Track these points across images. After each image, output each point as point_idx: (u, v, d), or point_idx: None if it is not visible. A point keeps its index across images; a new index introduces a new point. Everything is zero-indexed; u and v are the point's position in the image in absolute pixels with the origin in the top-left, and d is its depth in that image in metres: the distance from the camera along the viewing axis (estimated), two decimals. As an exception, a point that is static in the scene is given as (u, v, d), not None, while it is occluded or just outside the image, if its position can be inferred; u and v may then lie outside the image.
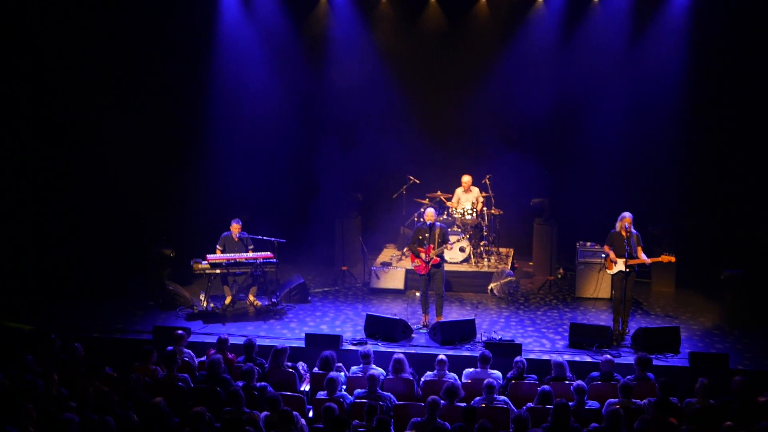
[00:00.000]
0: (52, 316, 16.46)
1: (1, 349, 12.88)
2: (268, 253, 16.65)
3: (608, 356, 12.79)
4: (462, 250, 18.67)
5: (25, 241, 17.58)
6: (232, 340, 14.30)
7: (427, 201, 19.15)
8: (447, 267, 16.77)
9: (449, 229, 17.23)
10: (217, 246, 16.87)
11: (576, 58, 19.60)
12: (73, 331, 15.37)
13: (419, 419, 10.69)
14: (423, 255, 15.52)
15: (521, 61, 19.97)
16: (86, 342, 13.59)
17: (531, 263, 19.96)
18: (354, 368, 12.82)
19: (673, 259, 15.21)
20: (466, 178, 19.06)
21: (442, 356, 12.66)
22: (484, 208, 18.92)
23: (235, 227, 16.84)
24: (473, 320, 15.41)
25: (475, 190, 19.08)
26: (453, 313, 16.64)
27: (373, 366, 12.61)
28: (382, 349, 14.47)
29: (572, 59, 19.64)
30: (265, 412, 10.92)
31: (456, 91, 20.47)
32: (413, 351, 14.46)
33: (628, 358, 13.75)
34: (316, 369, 12.73)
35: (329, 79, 20.54)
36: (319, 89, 20.68)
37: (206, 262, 16.39)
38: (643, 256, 14.96)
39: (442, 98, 20.62)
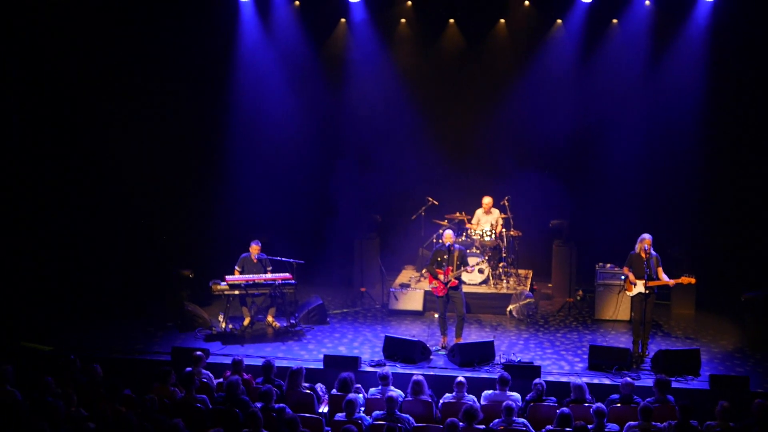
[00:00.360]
0: (72, 337, 16.51)
1: (21, 370, 12.89)
2: (287, 274, 16.66)
3: (628, 379, 12.73)
4: (481, 271, 18.63)
5: (45, 262, 17.63)
6: (250, 362, 14.33)
7: (446, 222, 19.13)
8: (465, 288, 16.76)
9: (468, 251, 17.20)
10: (236, 267, 16.89)
11: (595, 79, 19.63)
12: (92, 352, 15.42)
13: (438, 441, 10.66)
14: (441, 276, 15.50)
15: (540, 82, 19.99)
16: (105, 363, 13.66)
17: (550, 285, 19.89)
18: (372, 390, 12.79)
19: (693, 280, 15.12)
20: (487, 200, 19.05)
21: (461, 378, 12.62)
22: (503, 230, 18.89)
23: (255, 248, 16.86)
24: (492, 342, 15.36)
25: (496, 211, 19.06)
26: (472, 335, 16.59)
27: (392, 388, 12.59)
28: (401, 370, 14.43)
29: (591, 80, 19.67)
30: (283, 434, 10.91)
31: (475, 112, 20.51)
32: (432, 373, 14.42)
33: (648, 381, 13.67)
34: (334, 390, 12.71)
35: (348, 100, 20.63)
36: (338, 111, 20.76)
37: (225, 283, 16.41)
38: (664, 277, 14.89)
39: (461, 119, 20.66)
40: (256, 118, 20.35)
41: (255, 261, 16.87)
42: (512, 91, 20.17)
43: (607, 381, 14.08)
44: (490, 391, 12.73)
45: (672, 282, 15.03)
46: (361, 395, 12.63)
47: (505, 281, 18.82)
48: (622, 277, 15.66)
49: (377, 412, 11.84)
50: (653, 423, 11.32)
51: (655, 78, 19.33)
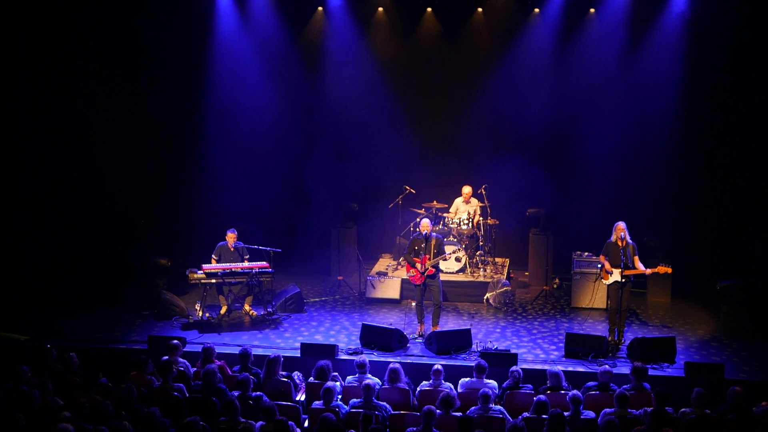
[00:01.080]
0: (48, 326, 16.44)
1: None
2: (264, 262, 16.64)
3: (607, 367, 12.77)
4: (458, 260, 18.66)
5: (20, 250, 17.52)
6: (227, 350, 14.32)
7: (423, 211, 19.14)
8: (443, 277, 16.78)
9: (445, 239, 17.23)
10: (213, 256, 16.85)
11: (572, 68, 19.69)
12: (68, 341, 15.36)
13: (415, 429, 10.68)
14: (418, 265, 15.52)
15: (518, 71, 20.04)
16: (81, 352, 13.61)
17: (527, 273, 19.96)
18: (349, 378, 12.80)
19: (669, 270, 15.20)
20: (467, 189, 19.08)
21: (438, 366, 12.63)
22: (480, 219, 18.93)
23: (231, 237, 16.83)
24: (469, 330, 15.39)
25: (474, 201, 19.09)
26: (449, 323, 16.63)
27: (369, 376, 12.60)
28: (378, 358, 14.45)
29: (568, 69, 19.73)
30: (260, 422, 10.90)
31: (452, 100, 20.55)
32: (409, 361, 14.45)
33: (624, 368, 13.74)
34: (311, 378, 12.71)
35: (325, 89, 20.62)
36: (315, 99, 20.75)
37: (202, 271, 16.37)
38: (641, 266, 14.97)
39: (438, 108, 20.69)
40: (232, 107, 20.31)
41: (232, 249, 16.84)
42: (490, 80, 20.22)
43: (583, 368, 14.14)
44: (467, 379, 12.75)
45: (648, 271, 15.11)
46: (338, 383, 12.63)
47: (482, 269, 18.86)
48: (599, 266, 15.72)
49: (354, 399, 11.84)
50: (629, 410, 11.38)
51: (632, 67, 19.41)
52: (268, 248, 16.88)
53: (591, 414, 11.41)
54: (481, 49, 20.40)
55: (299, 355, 14.59)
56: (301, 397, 12.86)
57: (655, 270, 15.16)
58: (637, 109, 19.47)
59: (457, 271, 18.76)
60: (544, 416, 10.98)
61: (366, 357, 13.44)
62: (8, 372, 12.18)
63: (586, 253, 17.77)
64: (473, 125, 20.22)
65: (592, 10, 19.65)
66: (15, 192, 17.46)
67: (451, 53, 20.56)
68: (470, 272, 18.81)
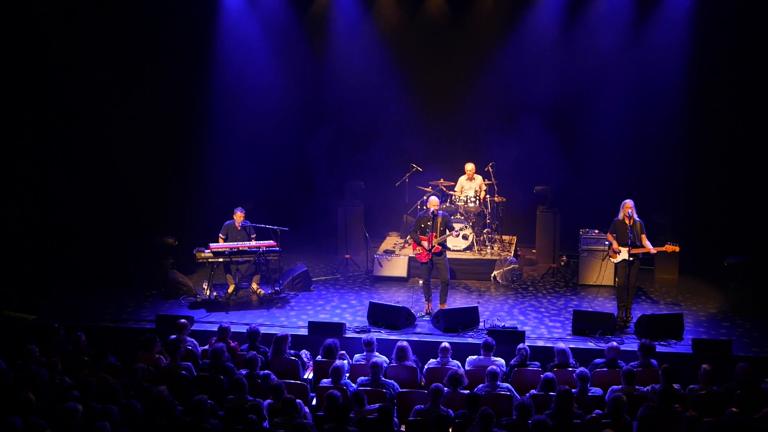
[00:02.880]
0: (56, 306, 16.50)
1: (4, 339, 12.89)
2: (271, 241, 16.65)
3: (614, 343, 12.78)
4: (465, 237, 18.64)
5: (28, 230, 17.55)
6: (235, 329, 14.33)
7: (429, 189, 19.12)
8: (450, 255, 16.77)
9: (452, 217, 17.21)
10: (220, 234, 16.87)
11: (579, 45, 19.56)
12: (76, 320, 15.41)
13: (422, 406, 10.70)
14: (425, 243, 15.50)
15: (524, 48, 19.93)
16: (89, 331, 13.67)
17: (534, 251, 19.95)
18: (357, 356, 12.82)
19: (677, 248, 15.14)
20: (470, 166, 19.05)
21: (445, 343, 12.65)
22: (487, 196, 18.90)
23: (239, 215, 16.83)
24: (476, 308, 15.40)
25: (479, 178, 19.06)
26: (456, 301, 16.63)
27: (376, 354, 12.61)
28: (386, 336, 14.47)
29: (576, 45, 19.60)
30: (268, 400, 10.93)
31: (459, 78, 20.46)
32: (416, 339, 14.46)
33: (632, 345, 13.73)
34: (319, 357, 12.74)
35: (331, 67, 20.54)
36: (321, 78, 20.67)
37: (209, 250, 16.38)
38: (648, 245, 14.91)
39: (445, 86, 20.61)
40: (239, 85, 20.25)
41: (239, 228, 16.84)
42: (496, 57, 20.12)
43: (590, 345, 14.13)
44: (475, 357, 12.77)
45: (654, 250, 15.04)
46: (345, 361, 12.65)
47: (489, 247, 18.84)
48: (606, 244, 15.70)
49: (362, 377, 11.87)
50: (636, 387, 11.39)
51: (639, 43, 19.28)
52: (276, 227, 16.87)
53: (598, 391, 11.43)
54: (487, 25, 20.28)
55: (307, 334, 14.60)
56: (309, 375, 12.90)
57: (663, 249, 15.12)
58: (645, 85, 19.36)
59: (465, 249, 18.75)
60: (551, 393, 10.99)
61: (373, 335, 13.47)
62: (17, 351, 12.22)
63: (594, 231, 17.74)
64: (480, 102, 20.14)
65: (599, -15, 19.55)
66: (22, 173, 17.46)
67: (457, 30, 20.46)
68: (477, 250, 18.80)
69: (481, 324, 15.06)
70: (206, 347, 13.20)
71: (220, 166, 20.09)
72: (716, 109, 18.87)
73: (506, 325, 14.96)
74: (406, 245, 19.16)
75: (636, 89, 19.48)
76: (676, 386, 11.25)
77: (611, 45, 19.37)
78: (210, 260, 16.44)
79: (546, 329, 15.16)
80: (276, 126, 20.67)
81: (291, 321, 15.63)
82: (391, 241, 19.97)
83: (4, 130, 17.13)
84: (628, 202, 15.00)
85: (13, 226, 17.24)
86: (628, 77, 19.50)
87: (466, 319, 15.04)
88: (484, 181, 19.04)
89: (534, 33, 19.88)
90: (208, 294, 16.56)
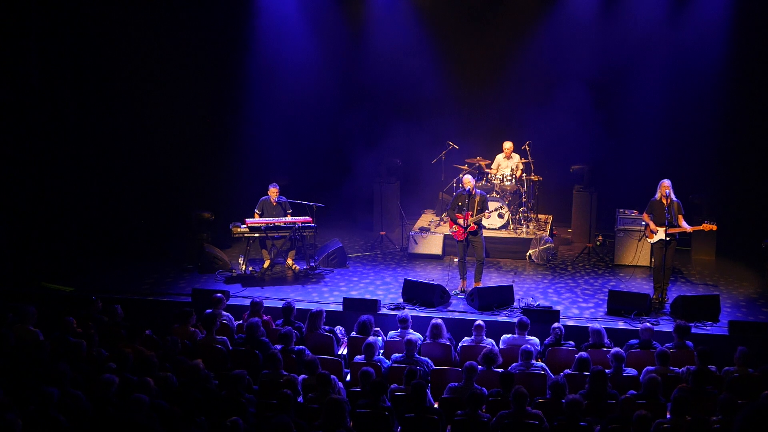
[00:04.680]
0: (93, 278, 16.67)
1: (42, 310, 13.02)
2: (307, 217, 16.68)
3: (648, 324, 12.74)
4: (501, 216, 18.59)
5: (66, 203, 17.69)
6: (270, 304, 14.41)
7: (465, 167, 19.07)
8: (486, 233, 16.74)
9: (488, 196, 17.16)
10: (255, 210, 16.92)
11: (619, 22, 19.34)
12: (113, 293, 15.55)
13: (456, 384, 10.72)
14: (461, 221, 15.48)
15: (563, 24, 19.72)
16: (126, 304, 13.79)
17: (570, 230, 19.87)
18: (391, 333, 12.87)
19: (714, 227, 15.00)
20: (508, 145, 18.98)
21: (479, 321, 12.67)
22: (524, 175, 18.83)
23: (273, 191, 16.87)
24: (511, 286, 15.38)
25: (516, 156, 18.99)
26: (491, 280, 16.61)
27: (411, 331, 12.65)
28: (420, 314, 14.49)
29: (615, 22, 19.38)
30: (303, 375, 11.00)
31: (496, 55, 20.32)
32: (451, 316, 14.45)
33: (667, 326, 13.68)
34: (354, 333, 12.78)
35: (369, 44, 20.47)
36: (359, 54, 20.60)
37: (245, 225, 16.44)
38: (684, 225, 14.79)
39: (482, 63, 20.49)
40: (276, 62, 20.21)
41: (274, 204, 16.89)
42: (535, 35, 19.96)
43: (626, 326, 14.08)
44: (509, 335, 12.77)
45: (690, 229, 14.91)
46: (380, 338, 12.70)
47: (524, 226, 18.80)
48: (643, 224, 15.62)
49: (396, 354, 11.91)
50: (671, 368, 11.35)
51: (679, 21, 19.06)
52: (311, 203, 16.91)
53: (633, 371, 11.40)
54: (526, 3, 20.12)
55: (341, 310, 14.65)
56: (343, 351, 12.95)
57: (700, 228, 14.99)
58: (684, 63, 19.15)
59: (500, 228, 18.71)
60: (585, 373, 10.98)
61: (408, 312, 13.54)
62: (54, 323, 12.35)
63: (630, 211, 17.64)
64: (517, 80, 20.01)
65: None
66: (61, 146, 17.58)
67: (495, 6, 20.30)
68: (513, 228, 18.75)
69: (516, 303, 15.05)
70: (241, 321, 13.27)
71: (256, 143, 20.10)
72: (756, 89, 18.67)
73: (541, 304, 14.93)
74: (442, 223, 19.15)
75: (675, 68, 19.29)
76: (711, 368, 11.20)
77: (650, 22, 19.15)
78: (246, 235, 16.50)
79: (581, 309, 15.12)
80: (312, 103, 20.66)
81: (325, 297, 15.68)
82: (426, 219, 19.96)
83: (47, 105, 17.23)
84: (666, 182, 14.87)
85: (53, 199, 17.38)
86: (667, 55, 19.30)
87: (500, 298, 15.03)
88: (520, 159, 18.97)
89: (573, 9, 19.66)
90: (243, 269, 16.64)
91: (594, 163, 19.35)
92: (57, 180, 17.53)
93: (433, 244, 18.31)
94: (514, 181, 18.69)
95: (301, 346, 12.09)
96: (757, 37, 18.44)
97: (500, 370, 11.10)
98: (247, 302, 13.96)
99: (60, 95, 17.54)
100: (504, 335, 12.87)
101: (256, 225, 16.45)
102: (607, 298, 14.94)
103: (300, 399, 10.56)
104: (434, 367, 11.71)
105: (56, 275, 16.53)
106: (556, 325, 12.75)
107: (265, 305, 13.65)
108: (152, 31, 18.67)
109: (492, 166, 19.13)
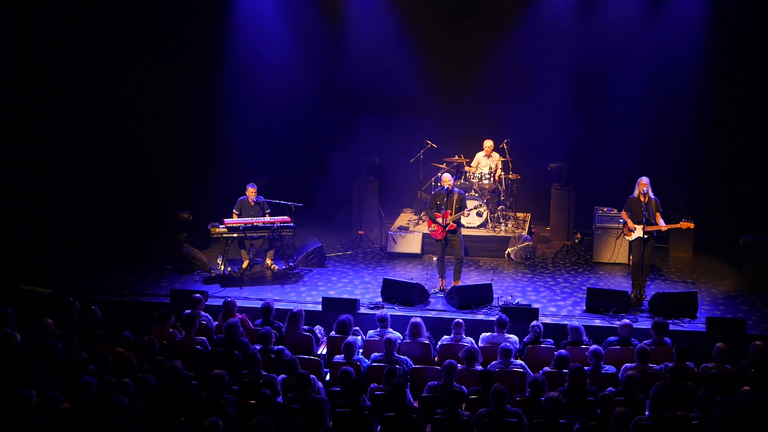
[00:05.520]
0: (71, 280, 16.59)
1: (20, 312, 12.94)
2: (286, 217, 16.65)
3: (626, 320, 12.80)
4: (479, 214, 18.61)
5: (44, 204, 17.61)
6: (249, 304, 14.38)
7: (444, 166, 19.09)
8: (464, 232, 16.74)
9: (466, 194, 17.17)
10: (234, 210, 16.88)
11: (596, 20, 19.36)
12: (91, 295, 15.47)
13: (436, 383, 10.74)
14: (440, 220, 15.49)
15: (541, 24, 19.73)
16: (104, 305, 13.73)
17: (548, 228, 19.90)
18: (371, 332, 12.88)
19: (692, 225, 15.07)
20: (489, 143, 18.99)
21: (458, 319, 12.70)
22: (502, 173, 18.85)
23: (251, 191, 16.83)
24: (490, 285, 15.40)
25: (496, 155, 19.01)
26: (470, 278, 16.62)
27: (390, 330, 12.66)
28: (399, 313, 14.50)
29: (592, 21, 19.40)
30: (282, 375, 11.00)
31: (475, 54, 20.30)
32: (430, 315, 14.47)
33: (646, 323, 13.73)
34: (333, 332, 12.78)
35: (347, 43, 20.45)
36: (337, 54, 20.59)
37: (223, 226, 16.40)
38: (661, 223, 14.83)
39: (461, 62, 20.48)
40: (253, 62, 20.15)
41: (252, 204, 16.85)
42: (513, 33, 19.97)
43: (604, 323, 14.13)
44: (488, 334, 12.80)
45: (666, 227, 14.95)
46: (359, 337, 12.70)
47: (503, 224, 18.83)
48: (621, 222, 15.67)
49: (376, 353, 11.92)
50: (650, 365, 11.40)
51: (656, 19, 19.10)
52: (290, 202, 16.88)
53: (612, 368, 11.45)
54: (504, 1, 20.14)
55: (321, 309, 14.65)
56: (322, 350, 12.95)
57: (677, 226, 15.05)
58: (661, 61, 19.21)
59: (479, 226, 18.74)
60: (564, 371, 11.01)
61: (387, 311, 13.55)
62: (32, 325, 12.29)
63: (608, 208, 17.70)
64: (495, 79, 20.01)
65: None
66: (39, 146, 17.49)
67: (474, 5, 20.30)
68: (491, 227, 18.78)
69: (495, 301, 15.07)
70: (220, 322, 13.25)
71: (235, 142, 20.06)
72: (732, 86, 18.73)
73: (520, 303, 14.96)
74: (420, 222, 19.15)
75: (652, 65, 19.34)
76: (689, 364, 11.25)
77: (628, 20, 19.17)
78: (224, 235, 16.46)
79: (559, 307, 15.16)
80: (290, 102, 20.59)
81: (305, 297, 15.67)
82: (405, 218, 19.97)
83: (23, 105, 17.14)
84: (644, 180, 14.92)
85: (30, 201, 17.29)
86: (644, 53, 19.33)
87: (479, 296, 15.05)
88: (500, 158, 18.99)
89: (551, 8, 19.67)
90: (222, 269, 16.60)
91: (572, 161, 19.41)
92: (35, 181, 17.44)
93: (412, 243, 18.31)
94: (492, 179, 18.71)
95: (280, 346, 12.09)
96: (733, 35, 18.50)
97: (480, 368, 11.13)
98: (227, 303, 13.95)
99: (37, 94, 17.46)
100: (483, 333, 12.90)
101: (234, 225, 16.40)
102: (585, 295, 14.98)
103: (280, 399, 10.55)
104: (413, 366, 11.72)
105: (34, 277, 16.43)
106: (535, 322, 12.79)
107: (244, 305, 13.66)
108: (130, 30, 18.59)
109: (471, 164, 19.14)
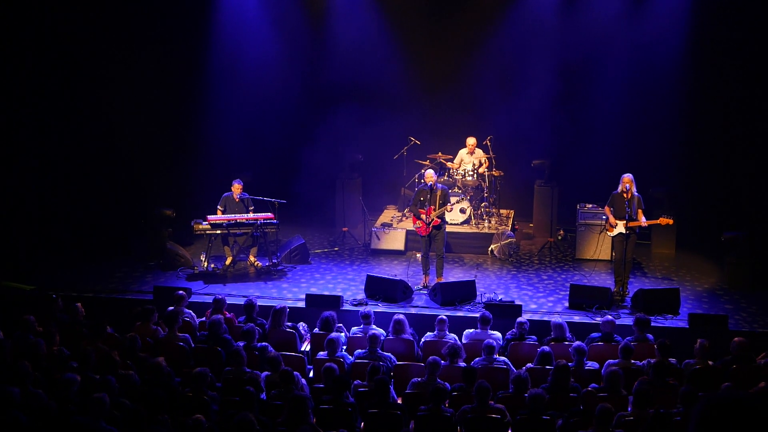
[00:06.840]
0: (54, 276, 16.51)
1: (2, 309, 12.91)
2: (269, 213, 16.63)
3: (609, 317, 12.85)
4: (462, 211, 18.63)
5: (26, 200, 17.54)
6: (233, 301, 14.37)
7: (428, 162, 19.09)
8: (447, 228, 16.75)
9: (450, 191, 17.19)
10: (218, 206, 16.85)
11: (578, 18, 19.39)
12: (74, 291, 15.43)
13: (419, 379, 10.75)
14: (424, 216, 15.51)
15: (524, 22, 19.77)
16: (87, 302, 13.70)
17: (531, 225, 19.93)
18: (354, 329, 12.88)
19: (671, 221, 15.17)
20: (471, 140, 19.00)
21: (442, 316, 12.73)
22: (485, 170, 18.86)
23: (237, 188, 16.81)
24: (473, 281, 15.43)
25: (479, 152, 19.02)
26: (454, 275, 16.65)
27: (374, 326, 12.66)
28: (383, 309, 14.51)
29: (575, 18, 19.43)
30: (266, 372, 10.99)
31: (458, 51, 20.30)
32: (413, 312, 14.50)
33: (628, 320, 13.77)
34: (316, 329, 12.78)
35: (330, 38, 20.41)
36: (320, 49, 20.56)
37: (207, 222, 16.36)
38: (642, 219, 14.90)
39: (444, 58, 20.46)
40: (237, 59, 20.12)
41: (237, 200, 16.82)
42: (496, 30, 19.98)
43: (587, 320, 14.19)
44: (472, 330, 12.83)
45: (646, 223, 15.02)
46: (342, 334, 12.71)
47: (486, 221, 18.85)
48: (603, 218, 15.72)
49: (359, 350, 11.93)
50: (632, 361, 11.44)
51: (639, 17, 19.16)
52: (273, 199, 16.86)
53: (595, 365, 11.49)
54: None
55: (304, 306, 14.64)
56: (306, 347, 12.95)
57: (656, 222, 15.15)
58: (644, 58, 19.27)
59: (462, 223, 18.75)
60: (548, 367, 11.05)
61: (371, 308, 13.53)
62: (15, 321, 12.25)
63: (591, 205, 17.74)
64: (479, 76, 20.00)
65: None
66: (19, 144, 17.43)
67: (456, 2, 20.33)
68: (475, 224, 18.80)
69: (478, 298, 15.10)
70: (204, 319, 13.23)
71: (218, 139, 20.02)
72: (714, 83, 18.81)
73: (503, 299, 14.99)
74: (404, 218, 19.16)
75: (634, 62, 19.38)
76: (672, 360, 11.30)
77: (610, 17, 19.22)
78: (208, 232, 16.44)
79: (542, 303, 15.20)
80: (274, 99, 20.55)
81: (288, 294, 15.67)
82: (388, 215, 19.97)
83: (5, 101, 17.07)
84: (627, 176, 14.97)
85: (12, 197, 17.22)
86: (626, 50, 19.37)
87: (463, 293, 15.07)
88: (483, 154, 19.01)
89: (533, 5, 19.72)
90: (205, 266, 16.57)
91: (555, 158, 19.44)
92: (16, 177, 17.37)
93: (395, 240, 18.32)
94: (476, 176, 18.72)
95: (263, 343, 12.08)
96: (714, 31, 18.56)
97: (463, 364, 11.15)
98: (210, 299, 13.93)
99: (19, 91, 17.39)
100: (466, 330, 12.92)
101: (217, 222, 16.38)
102: (568, 292, 15.03)
103: (263, 396, 10.55)
104: (397, 363, 11.73)
105: (16, 274, 16.37)
106: (521, 319, 12.82)
107: (227, 302, 13.63)
108: (113, 27, 18.51)
109: (455, 161, 19.16)
